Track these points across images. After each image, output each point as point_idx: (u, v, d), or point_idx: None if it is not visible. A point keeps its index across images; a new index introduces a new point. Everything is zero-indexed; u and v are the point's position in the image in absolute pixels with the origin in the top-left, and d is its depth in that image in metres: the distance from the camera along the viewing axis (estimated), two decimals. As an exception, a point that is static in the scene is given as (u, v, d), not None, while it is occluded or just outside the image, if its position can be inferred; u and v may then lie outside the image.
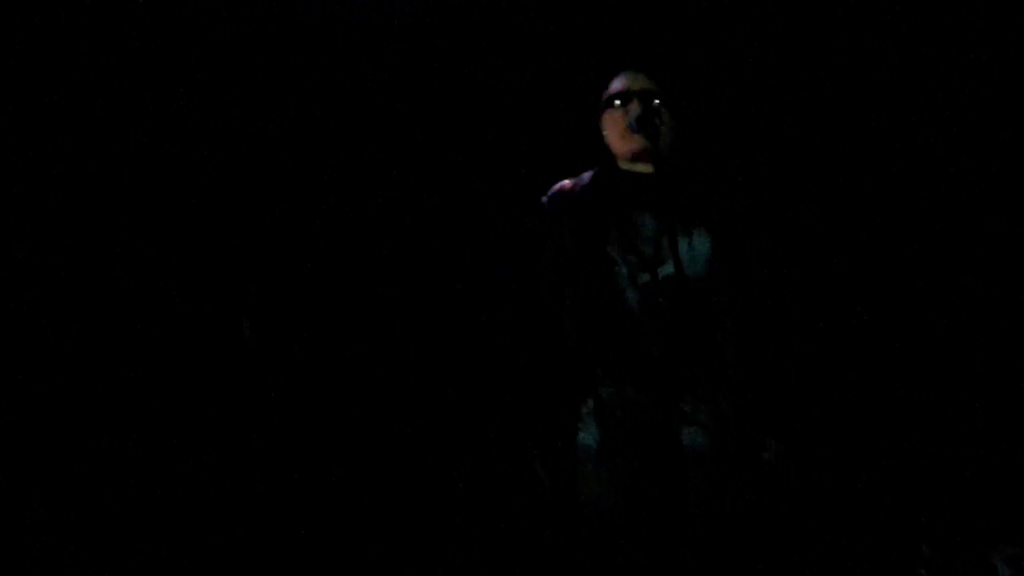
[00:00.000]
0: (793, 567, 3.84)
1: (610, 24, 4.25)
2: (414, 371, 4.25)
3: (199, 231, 4.37)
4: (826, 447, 4.04)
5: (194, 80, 4.29)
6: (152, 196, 4.30)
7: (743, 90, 4.24)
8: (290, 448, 4.26)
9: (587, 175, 3.15)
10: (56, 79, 4.22)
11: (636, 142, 3.06)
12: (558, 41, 4.28)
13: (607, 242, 3.01)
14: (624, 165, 3.12)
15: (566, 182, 3.15)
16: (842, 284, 4.15)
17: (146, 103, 4.27)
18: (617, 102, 3.10)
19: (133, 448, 4.19)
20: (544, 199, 3.14)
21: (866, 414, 4.10)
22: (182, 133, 4.31)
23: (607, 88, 3.16)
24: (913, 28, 4.14)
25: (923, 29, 4.13)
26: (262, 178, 4.41)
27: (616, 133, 3.11)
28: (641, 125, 3.02)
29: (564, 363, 3.03)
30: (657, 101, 3.07)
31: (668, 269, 2.97)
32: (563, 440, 3.00)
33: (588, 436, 2.98)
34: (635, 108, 3.06)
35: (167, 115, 4.30)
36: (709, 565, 2.89)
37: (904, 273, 4.13)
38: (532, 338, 3.08)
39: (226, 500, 4.24)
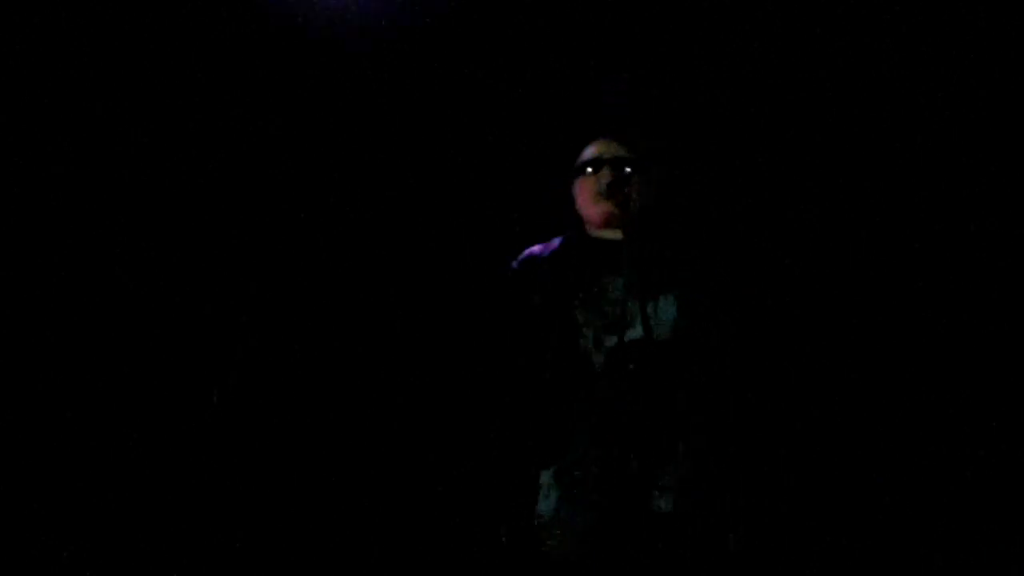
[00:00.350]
0: None
1: (606, 28, 4.26)
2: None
3: (195, 231, 4.37)
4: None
5: (184, 83, 4.29)
6: (148, 195, 4.31)
7: (740, 93, 4.24)
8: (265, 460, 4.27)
9: (556, 241, 3.20)
10: (43, 78, 4.23)
11: (606, 208, 3.11)
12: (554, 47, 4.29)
13: (573, 306, 3.05)
14: (594, 232, 3.18)
15: (535, 247, 3.20)
16: (840, 291, 4.16)
17: (134, 108, 4.27)
18: (589, 169, 3.16)
19: (129, 449, 4.19)
20: (514, 263, 3.19)
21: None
22: (175, 134, 4.32)
23: (579, 155, 3.22)
24: (912, 28, 4.14)
25: (923, 29, 4.13)
26: (257, 178, 4.41)
27: (587, 199, 3.16)
28: (612, 192, 3.08)
29: (526, 428, 3.06)
30: (628, 168, 3.13)
31: (634, 333, 3.01)
32: (524, 508, 3.02)
33: (546, 504, 3.00)
34: (606, 175, 3.12)
35: (159, 117, 4.30)
36: None
37: (901, 281, 4.14)
38: (496, 403, 3.12)
39: (218, 501, 4.24)
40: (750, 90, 4.22)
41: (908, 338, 4.09)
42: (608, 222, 3.14)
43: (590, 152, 3.20)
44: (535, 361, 3.07)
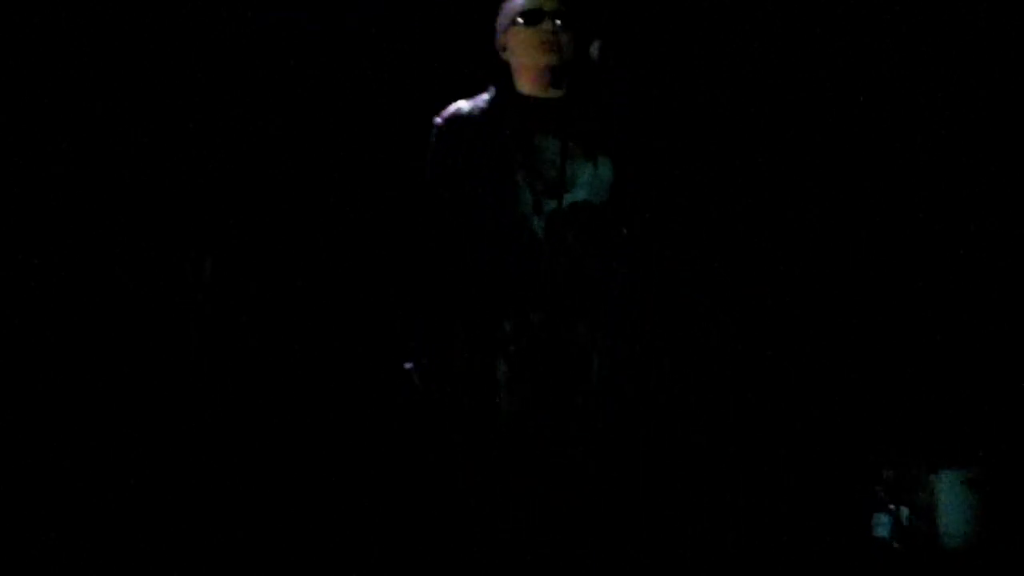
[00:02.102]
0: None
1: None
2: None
3: (194, 231, 4.37)
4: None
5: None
6: (146, 195, 4.31)
7: (740, 86, 4.24)
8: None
9: (484, 96, 3.04)
10: (43, 78, 4.22)
11: (546, 61, 2.96)
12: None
13: (512, 167, 2.93)
14: (525, 89, 3.02)
15: (462, 103, 3.04)
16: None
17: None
18: (526, 20, 2.97)
19: (127, 448, 4.19)
20: (438, 119, 3.03)
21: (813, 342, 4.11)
22: (172, 133, 4.32)
23: (505, 6, 3.05)
24: (912, 28, 4.14)
25: (922, 29, 4.13)
26: (256, 177, 4.41)
27: (524, 51, 2.99)
28: (553, 45, 2.94)
29: (468, 292, 2.96)
30: (569, 22, 2.98)
31: (574, 196, 2.93)
32: (480, 369, 2.95)
33: (500, 373, 2.93)
34: (548, 26, 2.96)
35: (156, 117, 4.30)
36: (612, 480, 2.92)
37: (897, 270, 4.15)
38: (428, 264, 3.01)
39: (216, 501, 4.25)
40: None
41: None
42: (545, 78, 2.98)
43: (528, 2, 3.00)
44: (472, 224, 2.97)
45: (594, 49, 3.04)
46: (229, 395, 4.34)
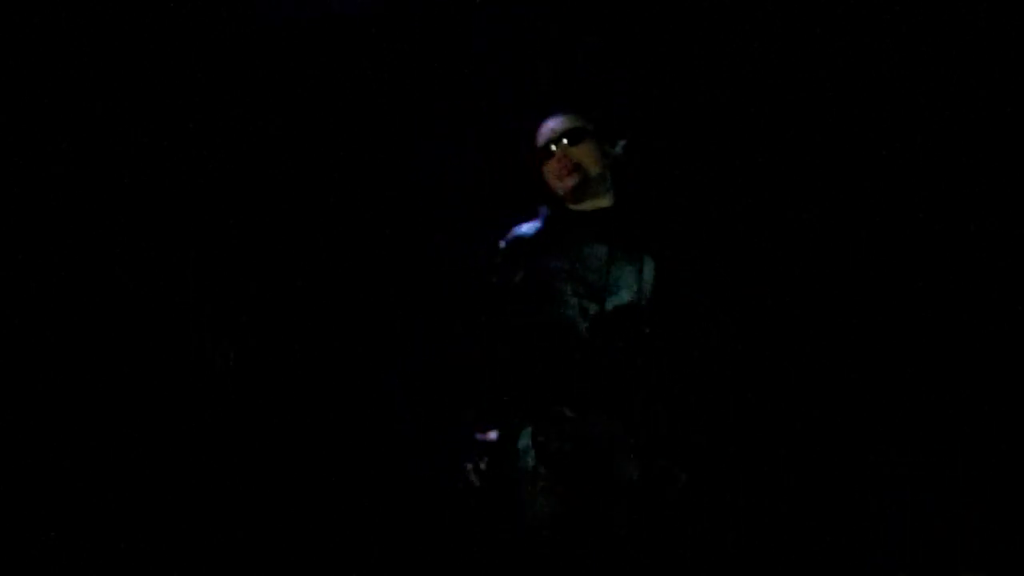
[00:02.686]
0: None
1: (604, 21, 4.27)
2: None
3: (194, 231, 4.37)
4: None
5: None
6: (144, 195, 4.31)
7: (738, 89, 4.25)
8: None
9: (540, 217, 3.30)
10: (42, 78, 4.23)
11: (568, 183, 3.21)
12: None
13: (557, 275, 3.16)
14: (571, 205, 3.27)
15: (522, 226, 3.30)
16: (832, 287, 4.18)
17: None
18: (544, 151, 3.25)
19: (124, 448, 4.20)
20: (502, 243, 3.30)
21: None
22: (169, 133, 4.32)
23: (536, 136, 3.31)
24: (912, 29, 4.15)
25: (921, 30, 4.13)
26: (255, 178, 4.41)
27: (551, 180, 3.26)
28: (567, 169, 3.20)
29: (505, 390, 3.18)
30: (581, 139, 3.23)
31: (617, 299, 3.13)
32: (505, 462, 3.14)
33: (527, 460, 3.10)
34: (559, 153, 3.22)
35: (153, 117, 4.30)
36: None
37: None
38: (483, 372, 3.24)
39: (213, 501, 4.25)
40: (719, 65, 4.23)
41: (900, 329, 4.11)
42: (575, 196, 3.23)
43: (542, 133, 3.28)
44: (521, 335, 3.17)
45: (619, 148, 3.27)
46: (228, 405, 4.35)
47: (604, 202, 3.25)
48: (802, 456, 4.14)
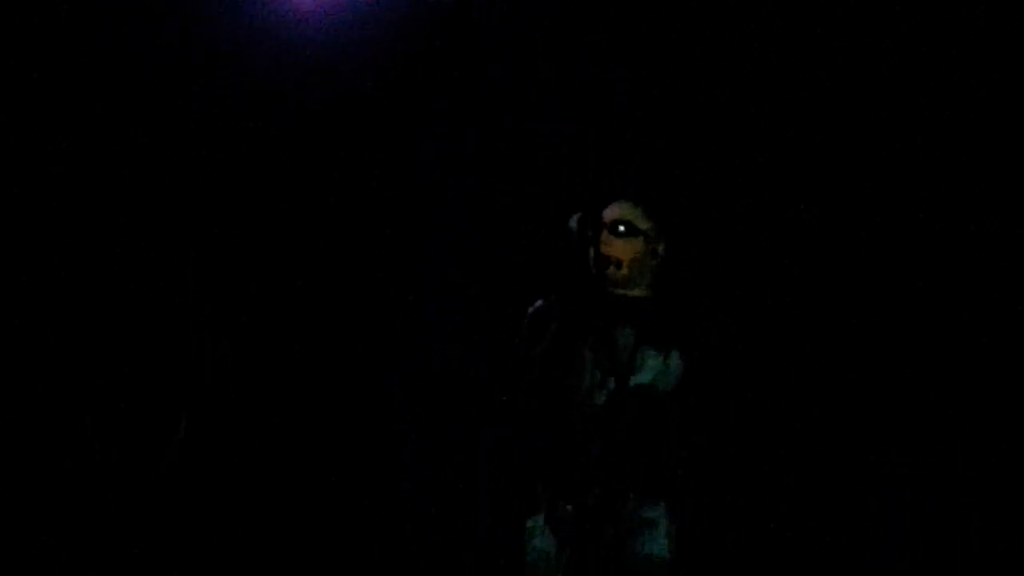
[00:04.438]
0: None
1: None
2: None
3: (194, 232, 4.36)
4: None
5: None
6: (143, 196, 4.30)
7: (744, 96, 4.25)
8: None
9: (571, 290, 3.32)
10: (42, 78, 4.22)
11: (614, 273, 3.29)
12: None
13: (584, 346, 3.23)
14: (609, 287, 3.32)
15: (551, 296, 3.35)
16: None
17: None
18: (603, 233, 3.28)
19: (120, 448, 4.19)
20: (531, 309, 3.35)
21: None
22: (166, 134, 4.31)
23: (602, 213, 3.34)
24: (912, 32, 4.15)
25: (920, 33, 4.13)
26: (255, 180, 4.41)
27: (594, 261, 3.27)
28: (617, 263, 3.28)
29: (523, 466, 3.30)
30: (633, 233, 3.30)
31: (639, 379, 3.21)
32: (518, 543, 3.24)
33: (541, 540, 3.21)
34: (607, 239, 3.27)
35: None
36: None
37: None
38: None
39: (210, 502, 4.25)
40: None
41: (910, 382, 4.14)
42: (611, 281, 3.29)
43: (607, 215, 3.33)
44: (541, 396, 3.25)
45: (660, 249, 3.34)
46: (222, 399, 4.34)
47: (638, 292, 3.33)
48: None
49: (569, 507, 3.15)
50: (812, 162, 4.24)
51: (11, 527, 4.12)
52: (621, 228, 3.29)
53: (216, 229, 4.38)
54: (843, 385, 4.22)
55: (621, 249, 3.28)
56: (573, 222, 3.23)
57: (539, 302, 3.35)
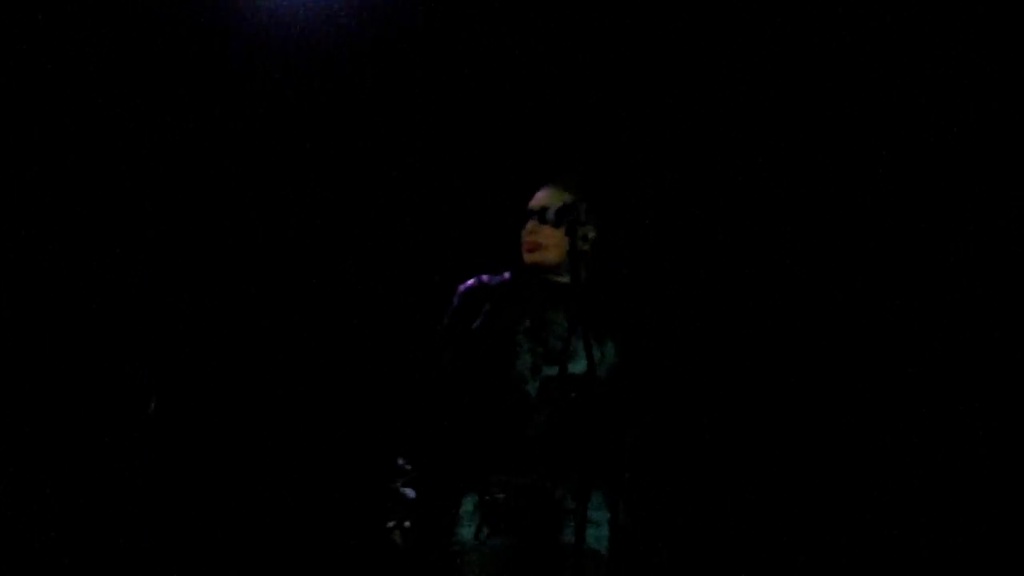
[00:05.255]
0: None
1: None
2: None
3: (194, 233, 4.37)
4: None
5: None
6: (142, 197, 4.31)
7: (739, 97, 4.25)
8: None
9: (507, 274, 3.30)
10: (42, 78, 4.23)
11: (529, 257, 3.23)
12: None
13: (515, 331, 3.17)
14: (543, 272, 3.26)
15: (484, 276, 3.30)
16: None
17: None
18: (529, 216, 3.24)
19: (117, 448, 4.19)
20: (461, 287, 3.28)
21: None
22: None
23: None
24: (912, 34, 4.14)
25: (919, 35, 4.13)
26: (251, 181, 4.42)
27: (521, 247, 3.25)
28: (531, 245, 3.21)
29: (448, 450, 3.17)
30: (556, 219, 3.21)
31: (576, 367, 3.13)
32: (442, 534, 3.12)
33: (467, 530, 3.11)
34: (530, 226, 3.22)
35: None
36: None
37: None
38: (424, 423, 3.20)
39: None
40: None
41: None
42: (540, 268, 3.22)
43: (533, 201, 3.28)
44: (467, 381, 3.17)
45: (590, 235, 3.24)
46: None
47: (563, 279, 3.23)
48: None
49: (501, 495, 3.07)
50: (748, 143, 4.24)
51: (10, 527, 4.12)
52: (544, 212, 3.20)
53: (215, 230, 4.39)
54: (792, 371, 4.21)
55: (545, 234, 3.19)
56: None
57: (471, 281, 3.28)
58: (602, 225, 3.26)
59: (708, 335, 4.20)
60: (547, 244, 3.19)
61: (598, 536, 3.05)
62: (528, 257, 3.20)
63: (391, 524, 3.10)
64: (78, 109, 4.24)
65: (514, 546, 3.06)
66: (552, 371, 3.11)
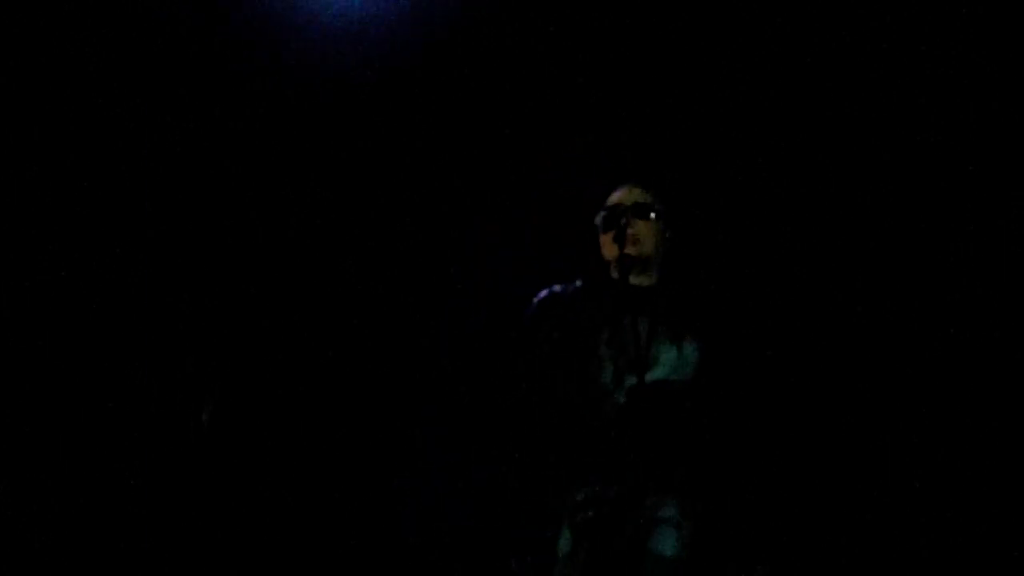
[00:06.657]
0: None
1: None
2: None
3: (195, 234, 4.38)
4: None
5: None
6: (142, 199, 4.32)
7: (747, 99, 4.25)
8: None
9: (578, 282, 3.28)
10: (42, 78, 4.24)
11: (623, 254, 3.19)
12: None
13: (598, 342, 3.15)
14: (615, 275, 3.25)
15: (556, 287, 3.28)
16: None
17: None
18: (608, 216, 3.25)
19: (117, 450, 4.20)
20: (535, 299, 3.26)
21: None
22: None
23: (606, 201, 3.31)
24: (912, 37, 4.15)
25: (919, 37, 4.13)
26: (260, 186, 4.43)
27: (604, 245, 3.28)
28: (626, 240, 3.19)
29: (540, 462, 3.18)
30: (653, 214, 3.24)
31: (656, 373, 3.12)
32: (542, 545, 3.15)
33: (564, 542, 3.12)
34: (624, 223, 3.21)
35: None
36: None
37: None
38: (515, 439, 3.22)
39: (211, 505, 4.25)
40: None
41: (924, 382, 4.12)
42: (623, 267, 3.20)
43: (612, 199, 3.29)
44: (554, 395, 3.17)
45: (668, 234, 3.27)
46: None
47: (650, 280, 3.25)
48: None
49: (591, 513, 3.06)
50: (817, 150, 4.24)
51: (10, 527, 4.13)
52: (643, 209, 3.22)
53: (216, 233, 4.40)
54: (863, 380, 4.18)
55: (644, 230, 3.21)
56: (599, 218, 3.24)
57: (545, 292, 3.27)
58: (675, 225, 3.30)
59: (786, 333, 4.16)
60: (645, 238, 3.21)
61: (675, 544, 3.06)
62: (631, 249, 3.18)
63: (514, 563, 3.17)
64: (78, 109, 4.25)
65: (603, 555, 3.06)
66: (633, 380, 3.09)
